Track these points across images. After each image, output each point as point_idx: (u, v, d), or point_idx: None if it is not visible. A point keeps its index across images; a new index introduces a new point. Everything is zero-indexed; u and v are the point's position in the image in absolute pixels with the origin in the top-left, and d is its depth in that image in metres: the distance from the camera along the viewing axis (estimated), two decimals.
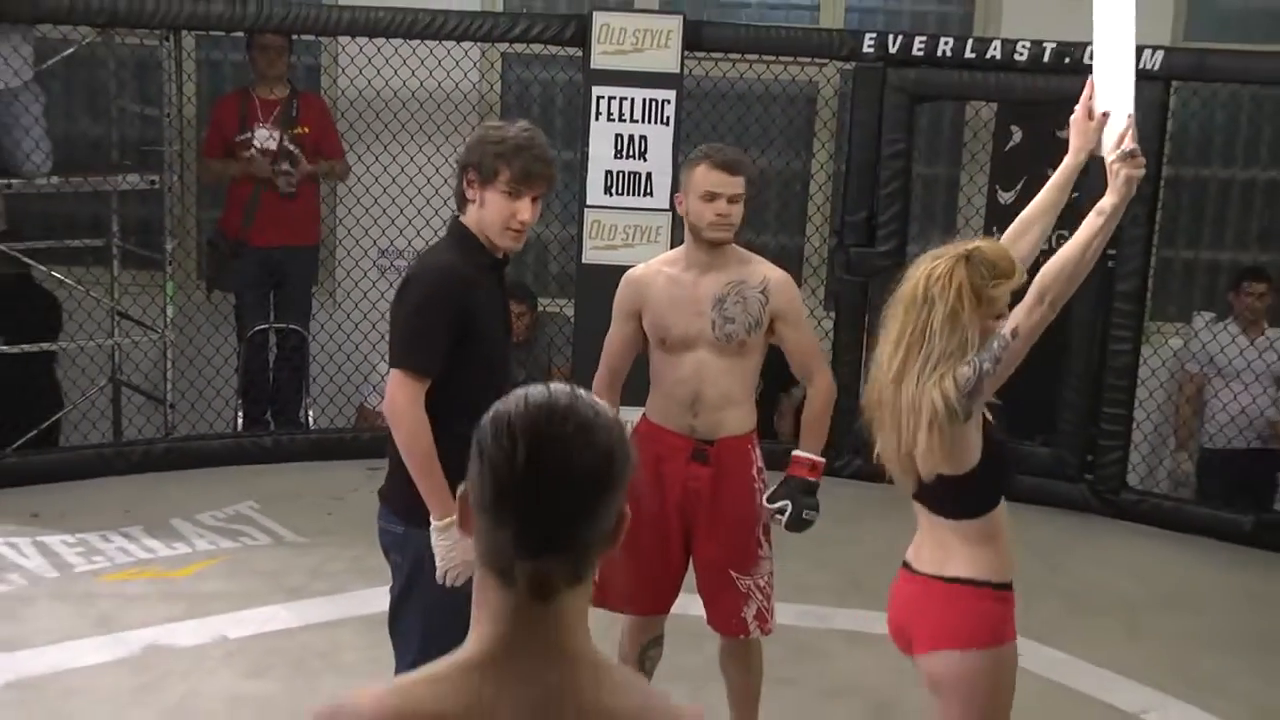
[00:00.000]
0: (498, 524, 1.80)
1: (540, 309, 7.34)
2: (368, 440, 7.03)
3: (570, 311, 7.31)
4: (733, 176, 4.10)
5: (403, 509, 3.70)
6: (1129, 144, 3.27)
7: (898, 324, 3.33)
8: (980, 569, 3.42)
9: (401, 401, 3.58)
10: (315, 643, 5.23)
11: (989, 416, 3.35)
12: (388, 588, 3.88)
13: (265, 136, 7.21)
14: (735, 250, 4.23)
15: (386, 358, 3.82)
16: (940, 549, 3.44)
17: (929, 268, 3.31)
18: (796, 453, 4.27)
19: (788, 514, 4.12)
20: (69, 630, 5.26)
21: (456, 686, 1.84)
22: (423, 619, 3.72)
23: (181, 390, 7.31)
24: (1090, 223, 3.25)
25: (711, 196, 4.08)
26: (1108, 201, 3.24)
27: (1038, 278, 3.30)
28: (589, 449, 1.76)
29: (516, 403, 1.80)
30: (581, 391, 1.82)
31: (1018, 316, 3.25)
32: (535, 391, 1.81)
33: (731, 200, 4.03)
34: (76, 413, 7.25)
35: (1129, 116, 3.31)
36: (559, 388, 1.81)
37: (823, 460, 4.24)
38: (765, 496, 4.17)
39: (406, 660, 3.79)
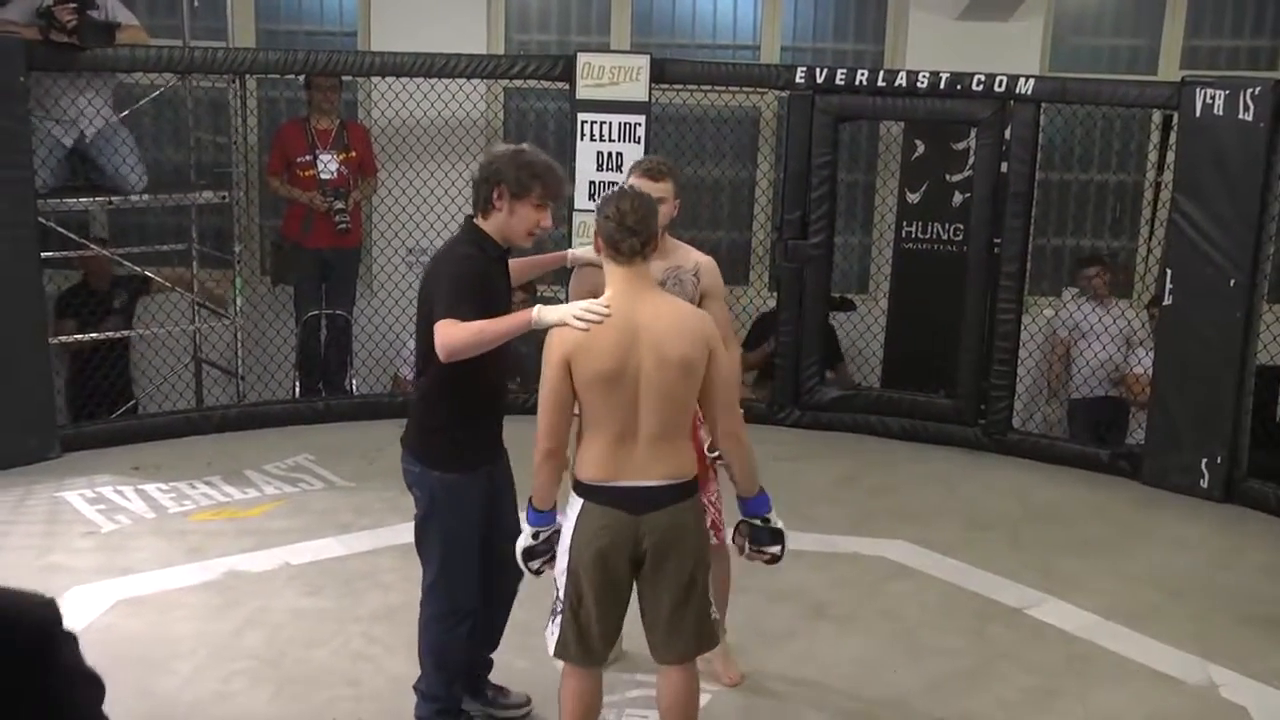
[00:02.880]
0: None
1: (538, 293, 7.34)
2: (400, 404, 7.03)
3: (563, 296, 7.29)
4: (655, 182, 4.05)
5: (419, 451, 3.78)
6: None
7: None
8: None
9: (449, 335, 3.46)
10: (360, 567, 5.26)
11: None
12: None
13: (328, 160, 7.19)
14: (670, 241, 4.20)
15: (415, 336, 3.83)
16: None
17: None
18: None
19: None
20: (166, 559, 5.29)
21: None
22: (441, 541, 3.80)
23: (249, 365, 7.30)
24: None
25: None
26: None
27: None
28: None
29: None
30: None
31: None
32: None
33: (659, 201, 3.82)
34: (167, 385, 7.24)
35: None
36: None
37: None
38: (706, 446, 4.07)
39: (430, 573, 3.88)
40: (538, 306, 3.51)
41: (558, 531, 3.50)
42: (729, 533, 3.83)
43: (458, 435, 3.75)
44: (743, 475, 3.55)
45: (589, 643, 3.46)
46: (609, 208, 3.42)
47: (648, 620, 3.49)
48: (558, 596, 3.50)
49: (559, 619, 3.49)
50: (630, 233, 3.37)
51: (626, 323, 3.34)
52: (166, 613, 4.81)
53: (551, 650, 3.54)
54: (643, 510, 3.35)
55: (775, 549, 3.62)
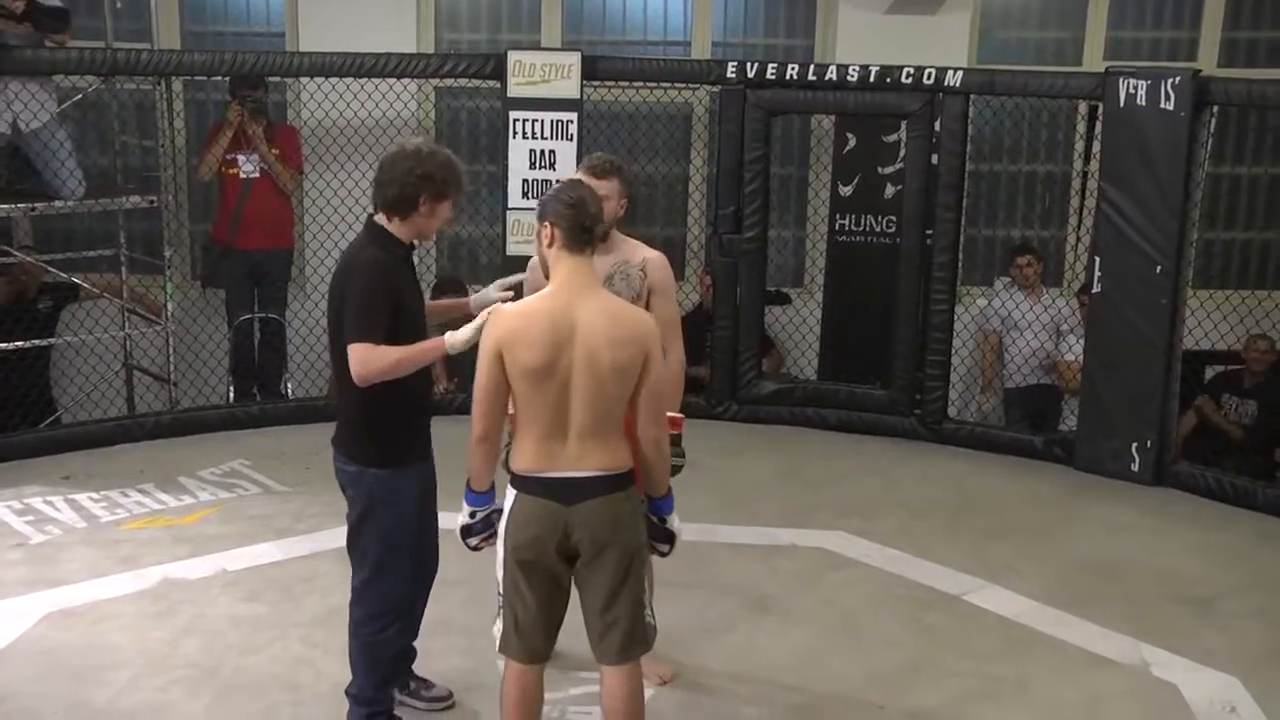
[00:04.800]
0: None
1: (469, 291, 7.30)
2: (338, 407, 6.98)
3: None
4: (600, 180, 4.03)
5: (354, 451, 3.80)
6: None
7: None
8: None
9: (363, 361, 3.62)
10: (299, 571, 5.21)
11: None
12: None
13: (245, 160, 7.12)
14: (618, 237, 4.18)
15: (328, 334, 3.82)
16: None
17: None
18: None
19: None
20: (98, 569, 5.21)
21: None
22: (377, 540, 3.81)
23: (182, 371, 7.21)
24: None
25: None
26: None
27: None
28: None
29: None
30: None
31: None
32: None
33: (603, 199, 3.83)
34: (97, 391, 7.13)
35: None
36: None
37: (681, 416, 4.06)
38: None
39: (362, 574, 3.88)
40: (447, 334, 3.63)
41: (498, 511, 3.51)
42: None
43: (392, 432, 3.76)
44: (655, 480, 3.56)
45: (528, 638, 3.45)
46: (566, 197, 3.44)
47: (585, 616, 3.49)
48: (499, 591, 3.50)
49: (501, 614, 3.49)
50: (594, 219, 3.43)
51: (564, 319, 3.34)
52: (100, 623, 4.73)
53: (497, 647, 3.53)
54: (573, 500, 3.36)
55: (665, 547, 3.67)
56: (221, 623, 4.75)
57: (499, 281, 4.15)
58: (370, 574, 3.83)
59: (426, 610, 4.12)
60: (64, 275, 6.95)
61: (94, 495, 6.00)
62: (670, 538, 3.65)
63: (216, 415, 7.10)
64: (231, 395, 7.34)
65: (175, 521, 5.72)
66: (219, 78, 7.22)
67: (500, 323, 3.38)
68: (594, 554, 3.39)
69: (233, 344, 7.33)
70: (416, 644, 4.16)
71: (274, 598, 4.97)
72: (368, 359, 3.60)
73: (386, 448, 3.76)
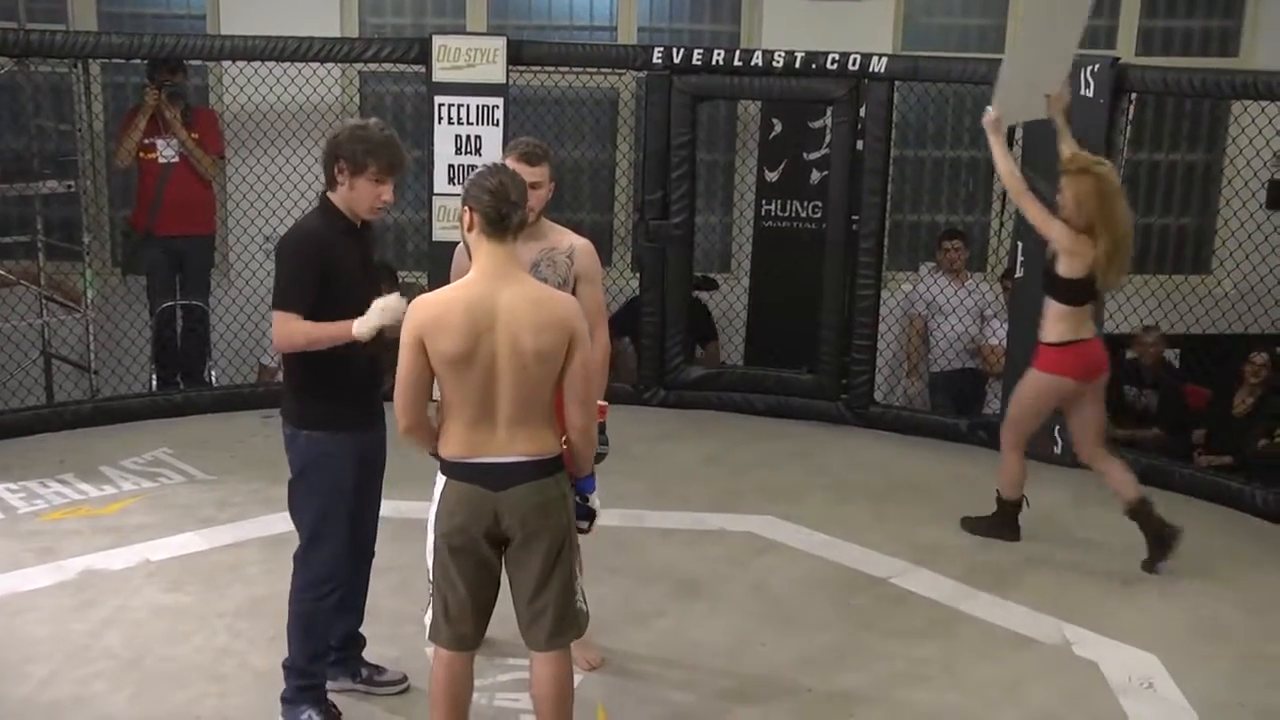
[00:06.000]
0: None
1: (400, 280, 7.25)
2: (263, 394, 6.92)
3: (425, 281, 7.23)
4: (532, 166, 4.02)
5: (293, 415, 3.88)
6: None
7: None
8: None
9: (284, 332, 3.71)
10: (223, 561, 5.15)
11: None
12: (282, 515, 4.03)
13: (164, 146, 7.01)
14: (545, 223, 4.16)
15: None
16: None
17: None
18: None
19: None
20: (16, 561, 5.10)
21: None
22: (312, 503, 3.85)
23: (103, 359, 7.09)
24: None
25: None
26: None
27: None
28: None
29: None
30: None
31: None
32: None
33: (533, 186, 3.82)
34: (14, 380, 6.98)
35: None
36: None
37: (605, 404, 4.01)
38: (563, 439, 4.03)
39: (302, 539, 3.92)
40: (356, 320, 3.65)
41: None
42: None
43: (324, 396, 3.80)
44: (580, 461, 3.57)
45: (457, 625, 3.44)
46: (487, 182, 3.40)
47: (515, 602, 3.48)
48: (429, 579, 3.48)
49: (431, 602, 3.47)
50: (515, 206, 3.38)
51: (484, 305, 3.32)
52: (17, 616, 4.64)
53: (427, 634, 3.51)
54: (501, 486, 3.35)
55: (585, 524, 3.67)
56: (144, 613, 4.68)
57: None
58: (308, 540, 3.88)
59: None
60: None
61: (11, 486, 5.88)
62: (591, 515, 3.68)
63: (139, 404, 7.00)
64: (154, 384, 7.23)
65: (96, 512, 5.62)
66: (138, 60, 7.09)
67: (419, 311, 3.35)
68: (524, 539, 3.38)
69: (154, 331, 7.21)
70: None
71: (197, 588, 4.90)
72: (280, 330, 3.72)
73: (319, 411, 3.80)
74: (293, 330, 3.69)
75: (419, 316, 3.34)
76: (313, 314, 3.69)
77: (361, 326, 3.65)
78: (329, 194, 3.81)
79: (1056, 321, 5.34)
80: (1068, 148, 5.42)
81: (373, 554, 4.10)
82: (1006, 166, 5.43)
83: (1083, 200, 5.20)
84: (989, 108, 5.45)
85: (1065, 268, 5.29)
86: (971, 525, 5.71)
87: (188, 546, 5.28)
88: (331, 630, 4.01)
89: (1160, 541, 5.32)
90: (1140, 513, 5.38)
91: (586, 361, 3.44)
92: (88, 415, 6.82)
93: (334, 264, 3.74)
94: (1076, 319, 5.33)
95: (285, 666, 3.94)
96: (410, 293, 3.71)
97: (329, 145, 3.77)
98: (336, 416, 3.81)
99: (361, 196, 3.76)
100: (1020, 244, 6.59)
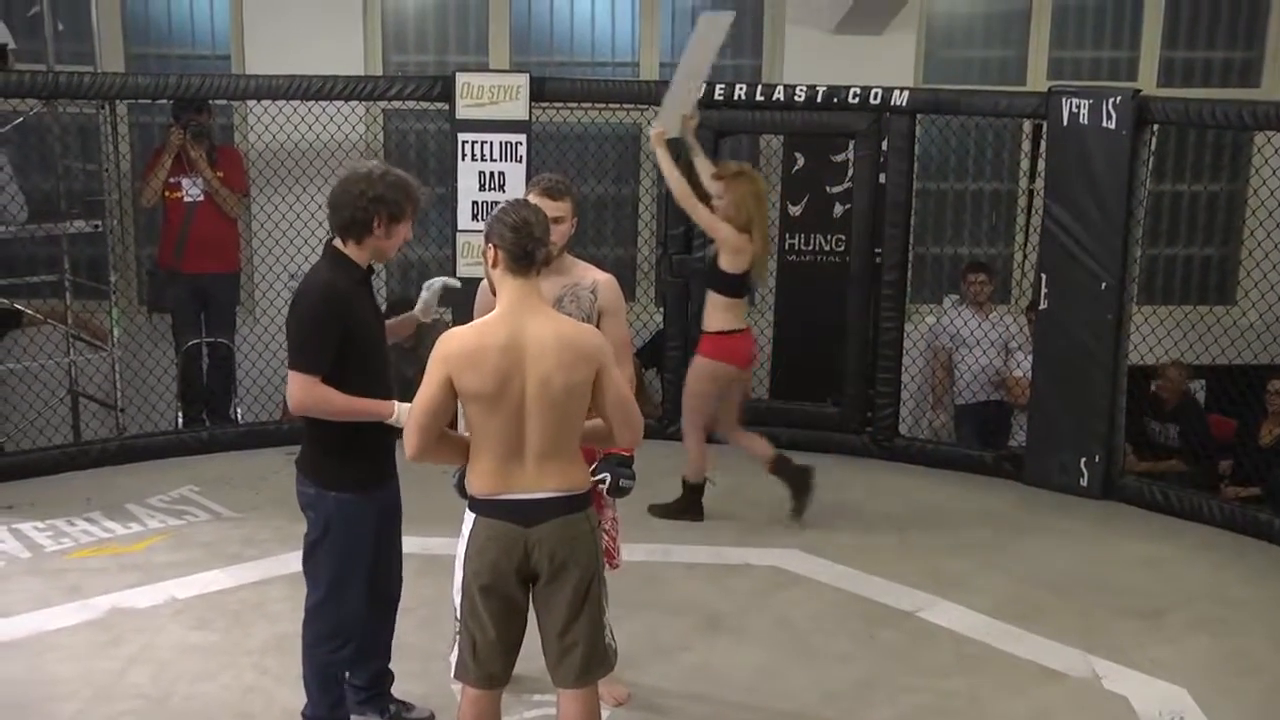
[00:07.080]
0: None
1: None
2: (287, 431, 6.95)
3: (449, 318, 7.24)
4: (555, 201, 4.04)
5: (314, 474, 3.79)
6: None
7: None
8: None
9: (300, 394, 3.66)
10: (249, 598, 5.17)
11: None
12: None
13: (189, 184, 7.09)
14: (569, 259, 4.17)
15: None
16: None
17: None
18: None
19: (607, 483, 3.95)
20: (43, 599, 5.14)
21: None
22: (333, 563, 3.80)
23: (129, 397, 7.14)
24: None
25: None
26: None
27: None
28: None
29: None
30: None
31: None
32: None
33: (555, 220, 3.87)
34: (41, 419, 7.04)
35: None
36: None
37: None
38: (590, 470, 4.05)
39: (316, 594, 3.88)
40: (396, 406, 3.67)
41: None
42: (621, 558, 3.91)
43: (353, 455, 3.75)
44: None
45: (485, 663, 3.43)
46: (510, 218, 3.41)
47: (543, 639, 3.47)
48: (455, 616, 3.48)
49: (458, 640, 3.47)
50: (539, 242, 3.40)
51: (512, 342, 3.33)
52: (44, 654, 4.67)
53: (453, 672, 3.51)
54: (532, 522, 3.35)
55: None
56: (171, 651, 4.70)
57: (428, 284, 4.23)
58: (323, 595, 3.82)
59: None
60: (6, 301, 6.87)
61: (39, 524, 5.93)
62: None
63: (165, 441, 7.05)
64: (180, 421, 7.28)
65: (123, 550, 5.66)
66: (164, 100, 7.17)
67: (447, 347, 3.35)
68: (552, 575, 3.38)
69: (180, 369, 7.27)
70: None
71: (224, 625, 4.92)
72: (310, 393, 3.64)
73: (347, 471, 3.75)
74: (327, 397, 3.63)
75: (447, 352, 3.35)
76: (337, 364, 3.66)
77: (400, 416, 3.62)
78: (337, 244, 3.76)
79: (720, 312, 5.89)
80: (706, 161, 6.08)
81: (398, 597, 4.08)
82: (673, 175, 5.91)
83: (741, 202, 5.79)
84: (654, 123, 5.98)
85: (728, 264, 5.84)
86: (660, 511, 6.06)
87: (214, 584, 5.30)
88: (353, 673, 4.00)
89: (802, 487, 6.03)
90: (780, 468, 6.07)
91: (620, 383, 3.45)
92: (114, 453, 6.87)
93: (355, 317, 3.71)
94: (736, 310, 5.93)
95: (305, 716, 3.93)
96: (436, 329, 3.74)
97: (359, 200, 3.69)
98: (365, 475, 3.79)
99: (396, 241, 3.77)
100: (1045, 276, 6.59)
